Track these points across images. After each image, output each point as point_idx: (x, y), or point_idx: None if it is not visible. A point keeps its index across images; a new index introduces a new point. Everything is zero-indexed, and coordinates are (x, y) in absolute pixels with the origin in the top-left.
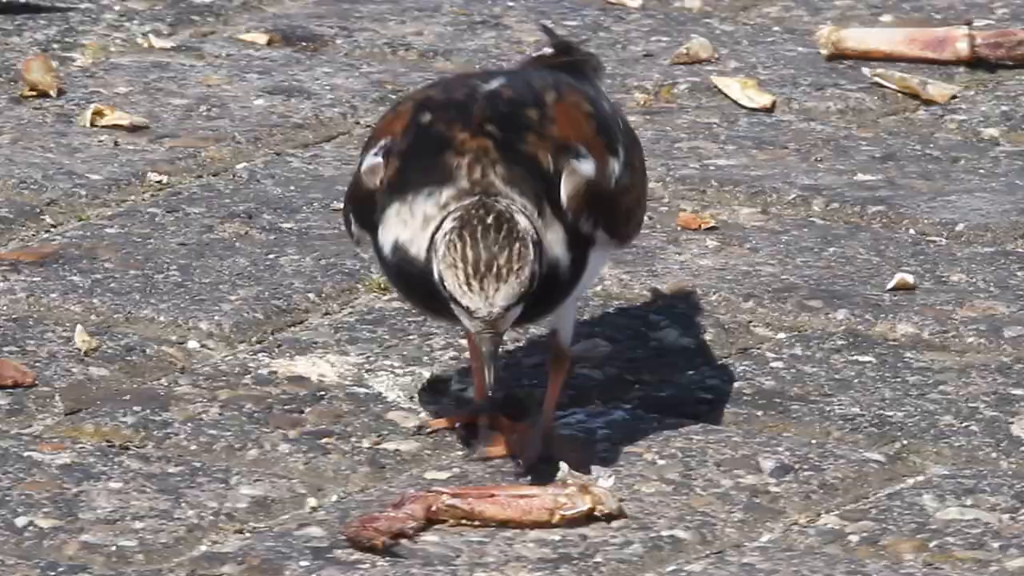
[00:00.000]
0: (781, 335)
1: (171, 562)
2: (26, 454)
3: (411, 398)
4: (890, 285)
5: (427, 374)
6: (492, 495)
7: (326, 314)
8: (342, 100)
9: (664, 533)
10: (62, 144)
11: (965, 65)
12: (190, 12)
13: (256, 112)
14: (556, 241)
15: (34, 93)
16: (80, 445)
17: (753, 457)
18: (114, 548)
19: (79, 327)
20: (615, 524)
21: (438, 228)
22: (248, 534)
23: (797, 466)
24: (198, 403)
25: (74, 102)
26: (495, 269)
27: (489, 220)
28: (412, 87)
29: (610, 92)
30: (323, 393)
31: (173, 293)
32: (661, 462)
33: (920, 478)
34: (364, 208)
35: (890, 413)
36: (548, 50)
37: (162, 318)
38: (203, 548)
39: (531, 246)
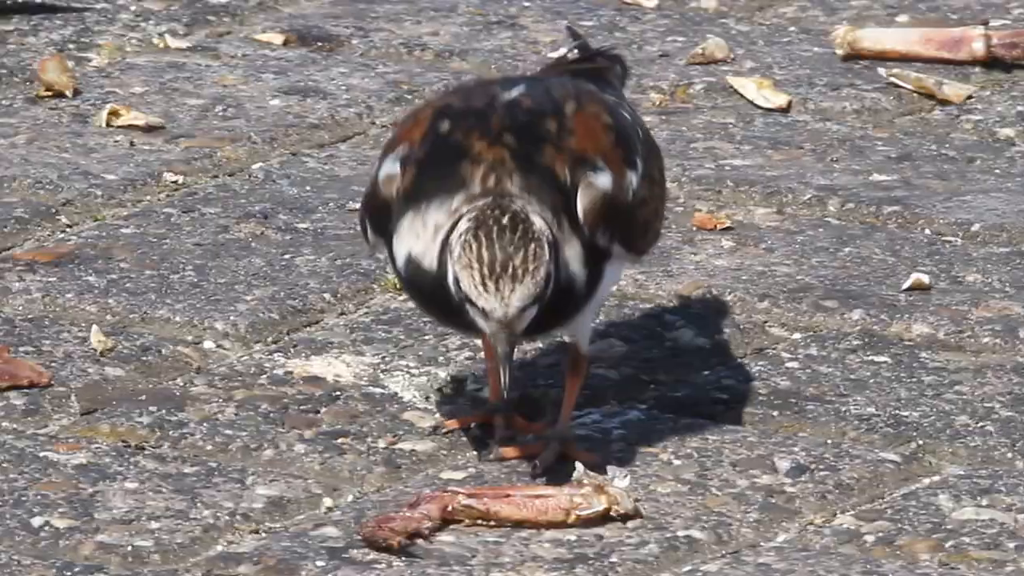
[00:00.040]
0: (796, 335)
1: (187, 562)
2: (42, 454)
3: (427, 398)
4: (905, 285)
5: (443, 374)
6: (508, 495)
7: (342, 314)
8: (358, 100)
9: (680, 533)
10: (78, 144)
11: (981, 65)
12: (206, 12)
13: (272, 112)
14: (573, 256)
15: (50, 93)
16: (96, 445)
17: (769, 457)
18: (130, 548)
19: (95, 327)
20: (631, 524)
21: (451, 230)
22: (264, 534)
23: (813, 466)
24: (214, 403)
25: (90, 102)
26: (511, 270)
27: (504, 220)
28: (428, 87)
29: (626, 92)
30: (339, 393)
31: (189, 293)
32: (677, 462)
33: (936, 478)
34: (380, 217)
35: (906, 413)
36: (574, 52)
37: (178, 318)
38: (219, 548)
39: (546, 247)
